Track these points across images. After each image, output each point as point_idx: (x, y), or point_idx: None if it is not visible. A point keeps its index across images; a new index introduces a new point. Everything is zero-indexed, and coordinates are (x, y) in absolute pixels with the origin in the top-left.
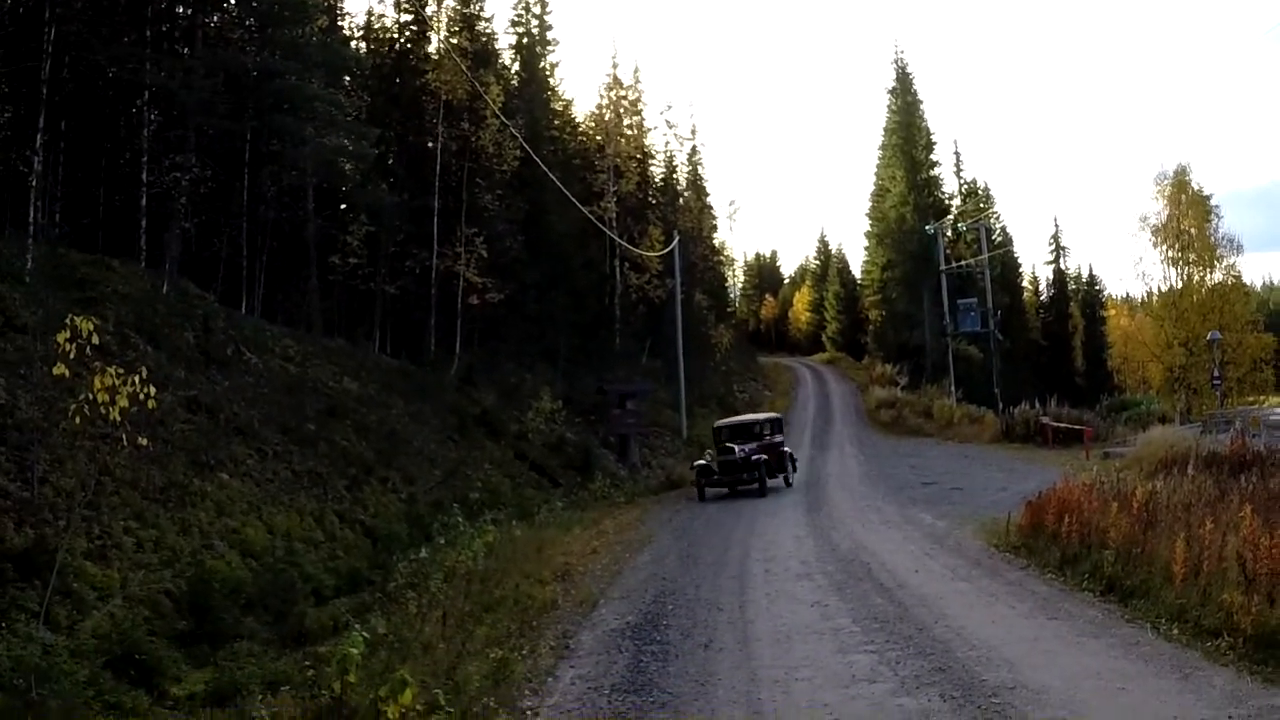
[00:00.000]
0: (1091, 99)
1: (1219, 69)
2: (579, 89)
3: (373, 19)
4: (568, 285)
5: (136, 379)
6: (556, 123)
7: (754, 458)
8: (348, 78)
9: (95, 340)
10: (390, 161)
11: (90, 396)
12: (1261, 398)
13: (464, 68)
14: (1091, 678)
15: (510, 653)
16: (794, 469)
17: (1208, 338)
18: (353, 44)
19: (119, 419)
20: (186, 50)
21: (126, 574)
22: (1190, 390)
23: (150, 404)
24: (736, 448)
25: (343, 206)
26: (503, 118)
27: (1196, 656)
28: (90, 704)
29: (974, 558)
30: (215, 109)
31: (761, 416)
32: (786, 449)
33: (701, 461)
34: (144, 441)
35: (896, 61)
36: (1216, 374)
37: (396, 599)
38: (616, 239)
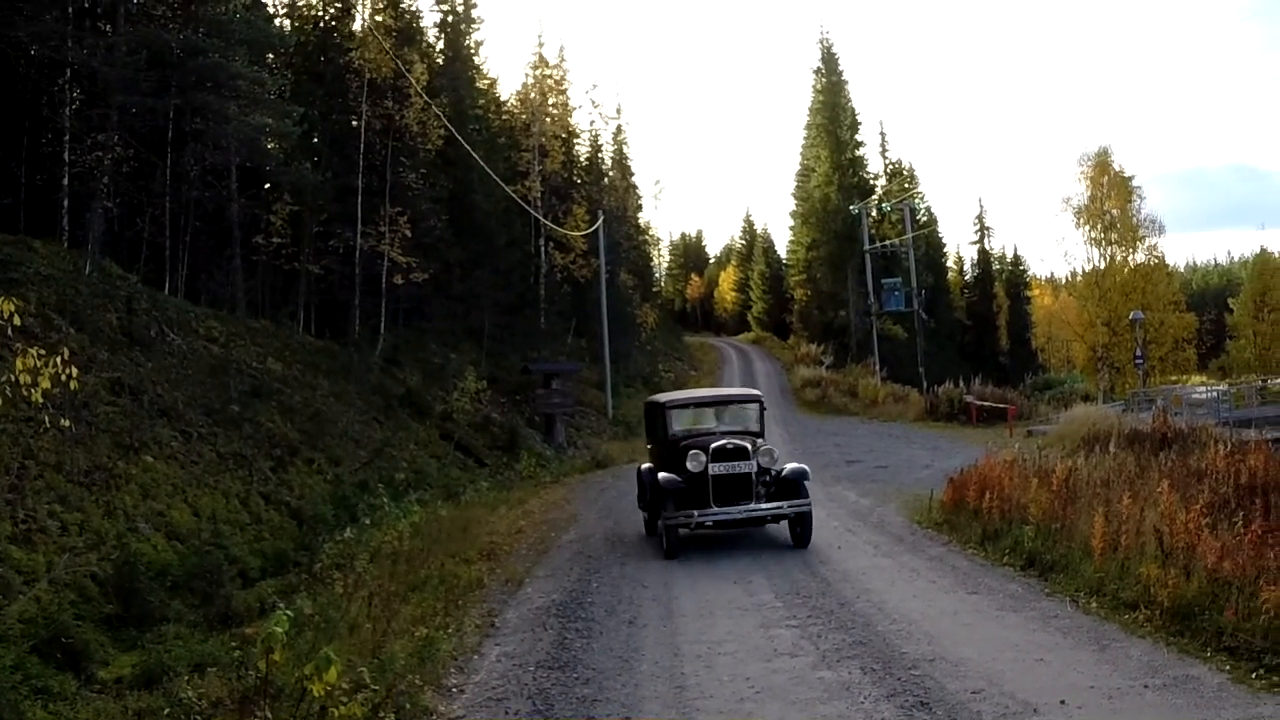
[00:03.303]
0: (1018, 80)
1: (1146, 51)
2: (504, 68)
3: None
4: (492, 265)
5: (59, 360)
6: (481, 102)
7: (784, 470)
8: (271, 55)
9: (17, 322)
10: (314, 140)
11: (12, 379)
12: (1184, 376)
13: (387, 47)
14: (1010, 650)
15: (436, 631)
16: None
17: (1130, 317)
18: (276, 21)
19: (41, 401)
20: (109, 27)
21: (52, 558)
22: (1113, 369)
23: (73, 386)
24: (750, 445)
25: (266, 186)
26: (426, 97)
27: (1114, 629)
28: (18, 688)
29: (897, 534)
30: (138, 87)
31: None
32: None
33: (666, 474)
34: (67, 424)
35: (822, 41)
36: (1139, 353)
37: (323, 580)
38: (541, 218)
